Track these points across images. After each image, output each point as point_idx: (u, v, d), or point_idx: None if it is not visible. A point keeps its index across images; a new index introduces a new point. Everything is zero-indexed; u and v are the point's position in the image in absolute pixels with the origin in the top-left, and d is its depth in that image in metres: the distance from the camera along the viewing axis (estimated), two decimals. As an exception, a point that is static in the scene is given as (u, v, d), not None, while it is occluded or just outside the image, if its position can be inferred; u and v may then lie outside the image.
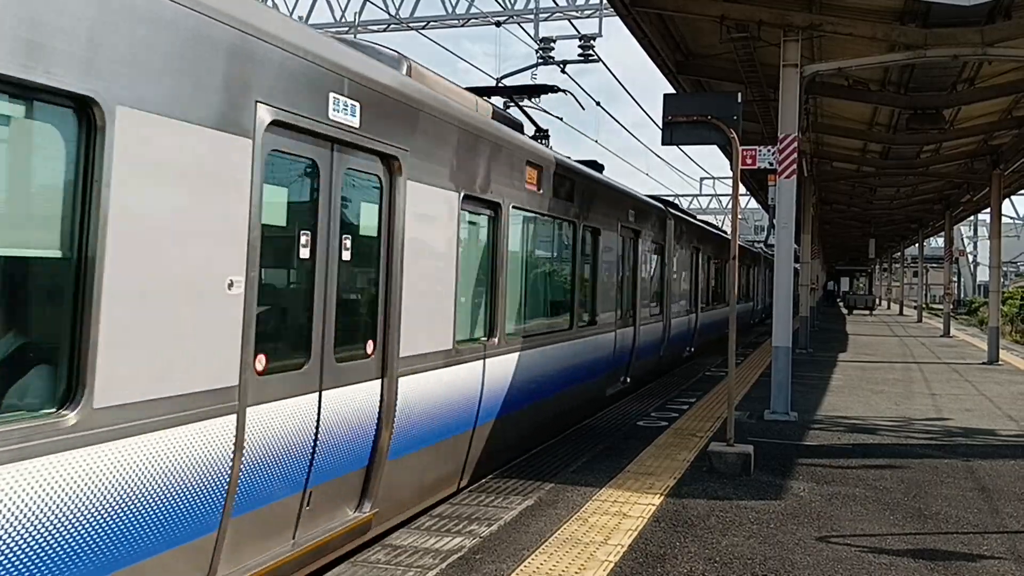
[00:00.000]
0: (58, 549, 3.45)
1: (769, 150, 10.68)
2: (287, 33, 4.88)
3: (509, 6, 22.86)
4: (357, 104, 5.52)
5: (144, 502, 3.90)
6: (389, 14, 23.07)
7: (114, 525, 3.74)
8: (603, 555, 5.64)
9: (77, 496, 3.51)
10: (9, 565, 3.24)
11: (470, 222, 7.63)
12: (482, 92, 10.50)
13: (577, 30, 20.68)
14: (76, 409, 3.53)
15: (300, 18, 23.64)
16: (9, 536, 3.23)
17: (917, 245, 44.91)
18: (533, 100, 18.98)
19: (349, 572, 5.27)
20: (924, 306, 46.19)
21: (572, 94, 16.62)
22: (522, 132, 9.30)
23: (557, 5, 22.72)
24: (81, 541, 3.56)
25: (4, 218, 3.45)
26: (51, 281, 3.63)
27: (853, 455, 9.03)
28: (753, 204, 50.08)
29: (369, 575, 5.22)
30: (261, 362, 4.70)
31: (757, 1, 11.52)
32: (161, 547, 4.04)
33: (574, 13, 22.47)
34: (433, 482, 7.02)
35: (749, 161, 10.45)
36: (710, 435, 9.69)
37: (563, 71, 20.09)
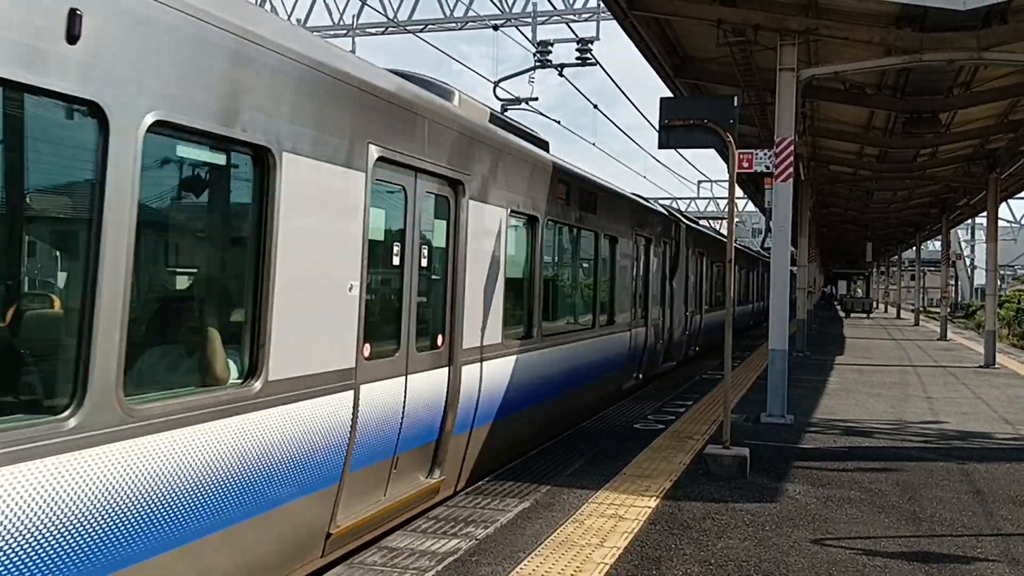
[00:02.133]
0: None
1: (766, 153, 10.68)
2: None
3: (507, 9, 22.91)
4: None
5: (496, 388, 8.02)
6: (387, 17, 23.10)
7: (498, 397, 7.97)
8: (599, 557, 5.66)
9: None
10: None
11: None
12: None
13: (575, 33, 20.73)
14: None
15: (298, 21, 23.66)
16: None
17: (914, 248, 44.97)
18: (530, 103, 18.97)
19: (346, 574, 5.28)
20: (921, 309, 46.25)
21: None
22: None
23: (555, 8, 22.78)
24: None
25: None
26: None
27: (849, 458, 9.06)
28: (751, 207, 50.18)
29: (365, 577, 5.23)
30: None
31: (754, 5, 11.55)
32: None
33: (572, 16, 22.53)
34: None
35: (746, 164, 10.45)
36: (706, 438, 9.71)
37: (560, 74, 20.15)
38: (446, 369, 7.00)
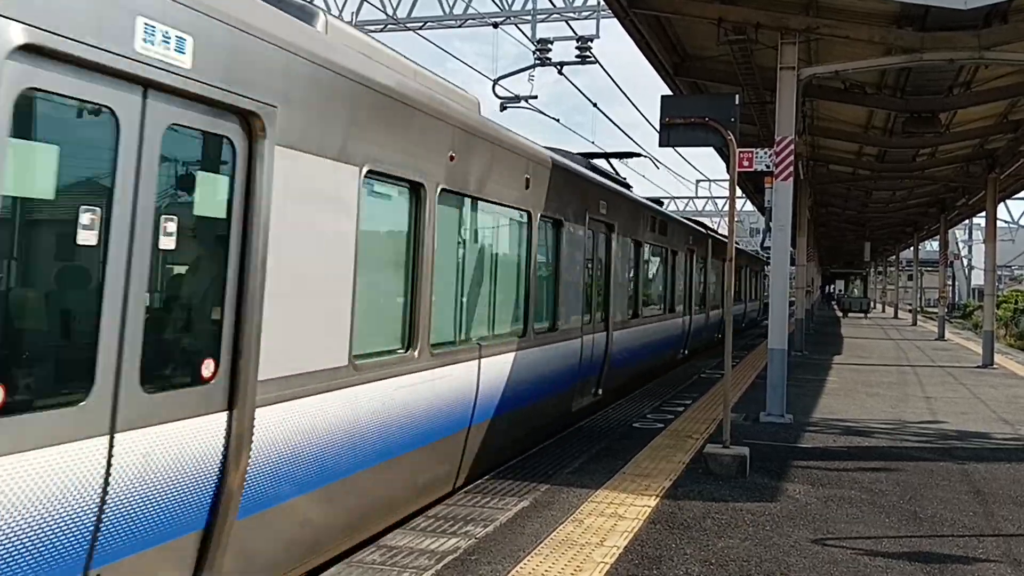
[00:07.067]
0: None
1: (766, 152, 10.68)
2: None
3: (506, 7, 22.86)
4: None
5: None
6: (387, 14, 23.05)
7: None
8: (599, 557, 5.64)
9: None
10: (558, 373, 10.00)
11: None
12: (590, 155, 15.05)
13: (575, 31, 20.67)
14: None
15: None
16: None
17: (912, 248, 44.99)
18: (529, 101, 18.97)
19: (345, 572, 5.25)
20: (919, 309, 46.25)
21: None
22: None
23: (554, 6, 22.73)
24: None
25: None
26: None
27: (848, 457, 9.05)
28: (749, 207, 50.15)
29: (364, 575, 5.21)
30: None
31: (755, 4, 11.53)
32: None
33: (571, 15, 22.48)
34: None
35: (746, 163, 10.45)
36: (706, 437, 9.69)
37: (560, 72, 20.12)
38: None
